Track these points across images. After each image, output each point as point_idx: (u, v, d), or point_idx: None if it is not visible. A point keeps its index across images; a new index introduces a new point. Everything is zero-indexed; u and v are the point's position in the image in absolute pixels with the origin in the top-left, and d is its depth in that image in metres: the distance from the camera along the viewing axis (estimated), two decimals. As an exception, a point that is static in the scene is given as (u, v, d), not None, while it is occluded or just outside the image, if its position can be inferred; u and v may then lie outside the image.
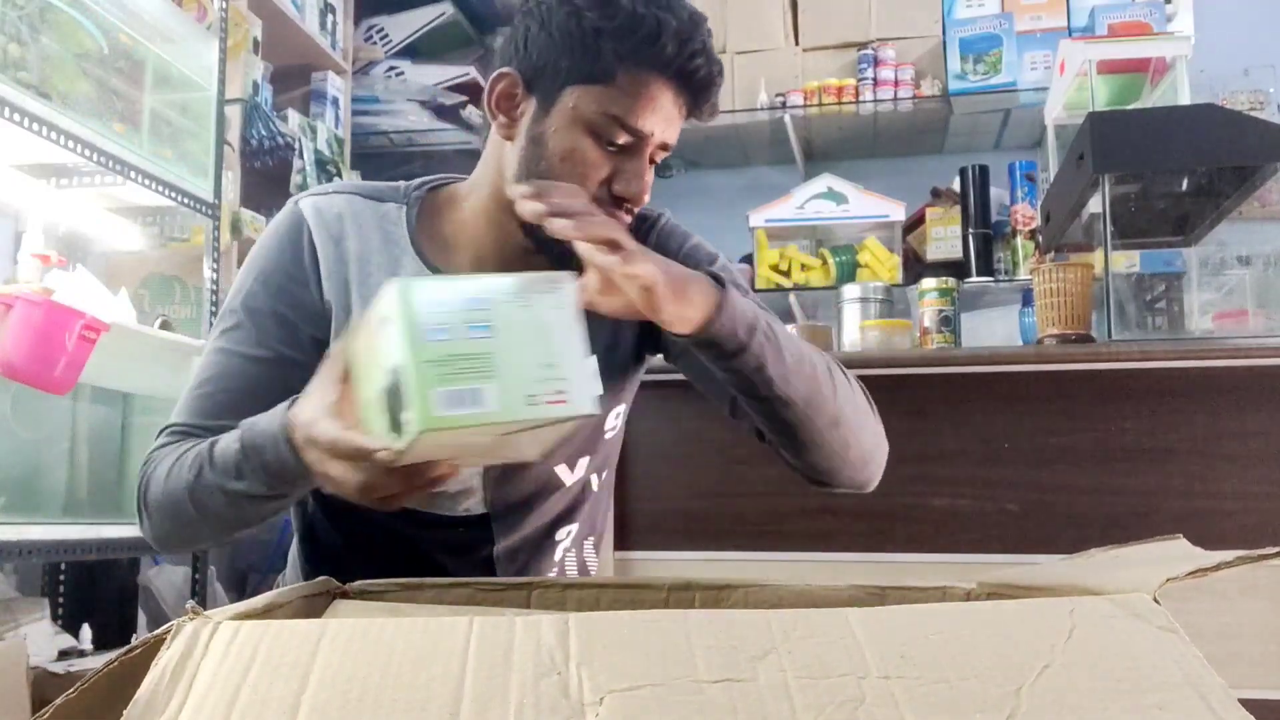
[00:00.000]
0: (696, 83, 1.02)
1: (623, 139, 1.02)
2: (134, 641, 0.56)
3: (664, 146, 1.05)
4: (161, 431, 1.08)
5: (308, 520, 1.24)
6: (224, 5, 2.72)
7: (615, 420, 1.23)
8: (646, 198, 1.05)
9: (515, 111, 1.06)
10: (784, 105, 3.70)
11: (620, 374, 1.19)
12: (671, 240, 1.19)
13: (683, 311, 0.92)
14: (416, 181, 1.16)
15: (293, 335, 1.08)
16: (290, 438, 0.89)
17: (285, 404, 0.92)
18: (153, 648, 0.54)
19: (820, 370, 1.03)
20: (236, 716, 0.50)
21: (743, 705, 0.51)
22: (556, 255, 0.99)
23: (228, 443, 0.96)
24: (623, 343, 1.18)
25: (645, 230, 1.19)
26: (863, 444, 1.07)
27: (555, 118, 1.03)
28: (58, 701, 0.52)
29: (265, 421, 0.93)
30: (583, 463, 1.20)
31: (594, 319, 1.12)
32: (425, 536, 1.17)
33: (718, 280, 0.96)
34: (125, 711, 0.50)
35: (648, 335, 1.18)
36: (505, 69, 1.06)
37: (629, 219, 1.07)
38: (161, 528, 1.05)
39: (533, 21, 1.04)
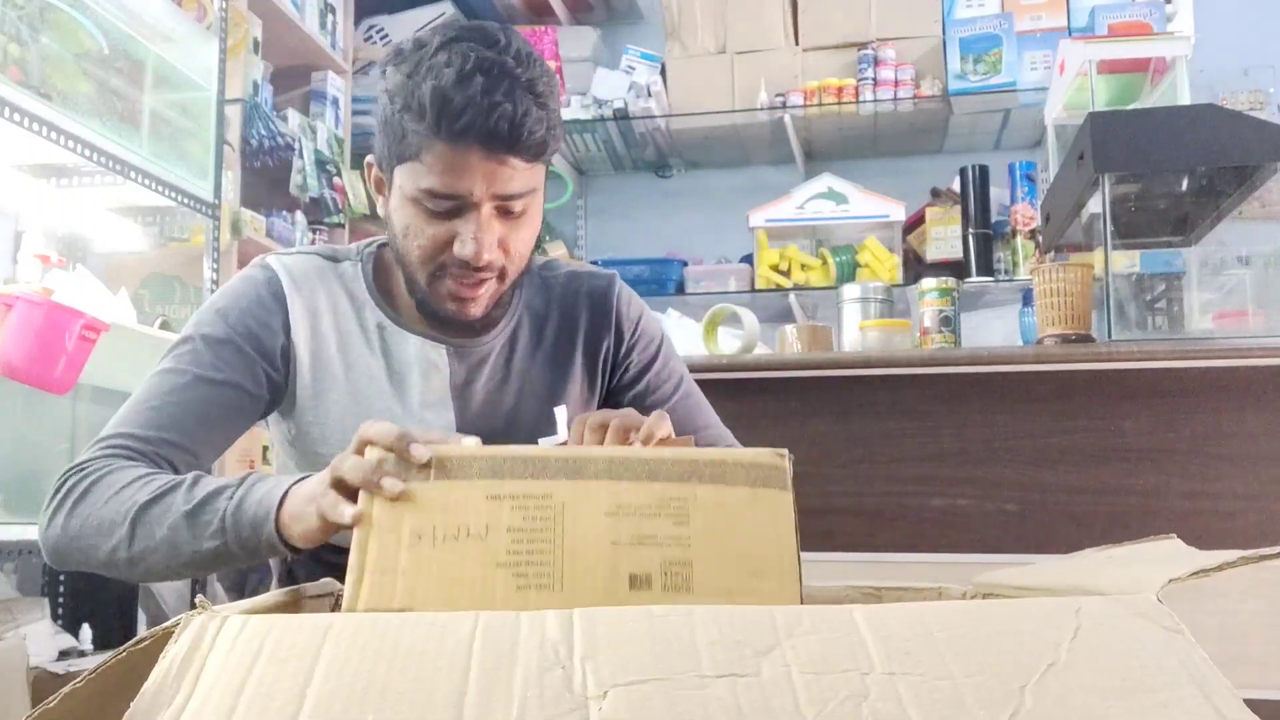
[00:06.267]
0: (502, 134, 1.02)
1: (443, 205, 1.06)
2: (135, 641, 0.56)
3: (505, 197, 1.06)
4: (97, 442, 1.06)
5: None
6: (224, 5, 2.72)
7: None
8: (488, 256, 1.07)
9: (384, 191, 1.14)
10: (784, 105, 3.70)
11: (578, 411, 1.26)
12: (631, 309, 1.28)
13: None
14: (365, 242, 1.25)
15: (247, 366, 1.12)
16: (287, 491, 0.91)
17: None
18: (159, 640, 0.54)
19: None
20: (243, 708, 0.50)
21: (746, 700, 0.51)
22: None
23: (216, 481, 0.97)
24: (569, 402, 1.24)
25: (602, 289, 1.27)
26: None
27: (394, 196, 1.10)
28: (64, 691, 0.52)
29: (270, 480, 0.95)
30: None
31: (557, 384, 1.22)
32: None
33: None
34: (133, 703, 0.50)
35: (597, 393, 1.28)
36: (370, 157, 1.16)
37: (485, 276, 1.10)
38: (75, 535, 1.00)
39: (375, 111, 1.11)
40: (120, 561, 0.98)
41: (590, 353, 1.24)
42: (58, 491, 1.03)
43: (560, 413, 1.22)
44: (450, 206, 1.06)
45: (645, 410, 1.19)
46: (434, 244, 1.08)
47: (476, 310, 1.13)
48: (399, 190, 1.09)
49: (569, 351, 1.24)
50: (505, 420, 1.20)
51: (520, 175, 1.06)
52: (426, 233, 1.08)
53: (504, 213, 1.08)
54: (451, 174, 1.03)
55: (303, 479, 0.92)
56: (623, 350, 1.26)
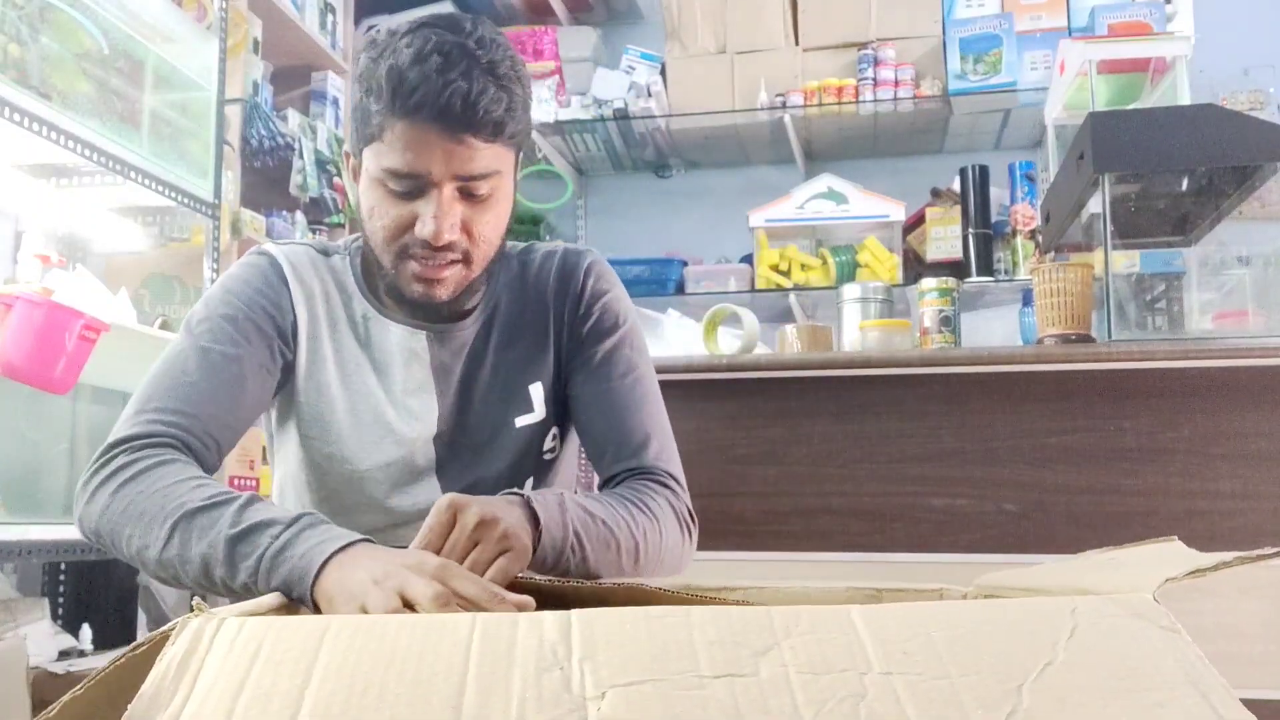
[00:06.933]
0: (455, 110, 1.02)
1: (403, 185, 1.07)
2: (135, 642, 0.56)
3: (466, 178, 1.07)
4: (140, 413, 1.05)
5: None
6: (224, 5, 2.73)
7: (552, 442, 1.26)
8: (449, 236, 1.07)
9: (358, 177, 1.16)
10: (784, 105, 3.70)
11: (549, 404, 1.24)
12: (598, 284, 1.25)
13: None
14: (353, 237, 1.26)
15: (264, 342, 1.15)
16: (333, 554, 0.85)
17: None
18: (158, 644, 0.54)
19: (624, 554, 1.06)
20: (241, 711, 0.50)
21: (745, 700, 0.51)
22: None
23: (267, 510, 0.94)
24: (544, 379, 1.24)
25: (573, 262, 1.25)
26: (650, 573, 1.11)
27: (362, 180, 1.12)
28: (65, 699, 0.52)
29: (320, 530, 0.91)
30: (529, 484, 1.23)
31: (531, 361, 1.21)
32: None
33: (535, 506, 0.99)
34: (130, 705, 0.50)
35: (558, 397, 1.26)
36: (347, 146, 1.17)
37: (448, 258, 1.10)
38: (114, 518, 0.99)
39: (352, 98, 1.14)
40: (149, 561, 0.96)
41: (556, 324, 1.24)
42: (104, 466, 1.01)
43: (536, 390, 1.22)
44: (411, 186, 1.07)
45: (585, 394, 1.20)
46: (396, 224, 1.09)
47: (443, 293, 1.12)
48: (366, 173, 1.10)
49: (543, 328, 1.23)
50: (481, 401, 1.21)
51: (481, 155, 1.06)
52: (390, 213, 1.09)
53: (467, 195, 1.08)
54: (410, 152, 1.04)
55: (353, 545, 0.87)
56: (577, 318, 1.23)
